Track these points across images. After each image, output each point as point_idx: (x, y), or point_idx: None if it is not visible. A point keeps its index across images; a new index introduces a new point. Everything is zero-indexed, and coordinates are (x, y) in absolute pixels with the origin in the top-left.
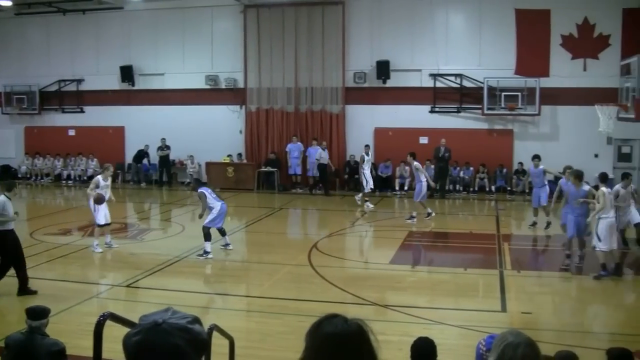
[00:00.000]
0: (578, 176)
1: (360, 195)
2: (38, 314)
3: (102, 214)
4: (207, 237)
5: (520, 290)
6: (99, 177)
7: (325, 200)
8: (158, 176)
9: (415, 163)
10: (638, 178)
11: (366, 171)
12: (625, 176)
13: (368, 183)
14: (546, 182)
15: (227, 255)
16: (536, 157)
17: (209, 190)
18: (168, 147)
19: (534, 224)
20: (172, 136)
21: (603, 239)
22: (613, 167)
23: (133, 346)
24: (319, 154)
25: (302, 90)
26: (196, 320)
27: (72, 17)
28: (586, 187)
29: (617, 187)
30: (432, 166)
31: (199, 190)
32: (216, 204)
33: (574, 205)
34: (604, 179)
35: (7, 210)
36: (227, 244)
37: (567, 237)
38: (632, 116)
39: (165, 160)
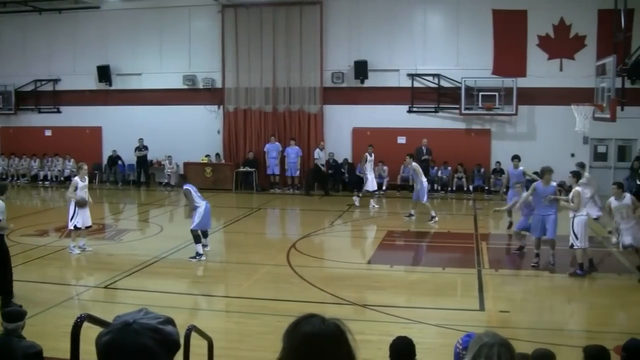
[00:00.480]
0: (549, 172)
1: (372, 200)
2: (14, 317)
3: (80, 218)
4: (197, 239)
5: (498, 289)
6: (77, 178)
7: (303, 200)
8: (136, 176)
9: (414, 164)
10: (614, 177)
11: (368, 171)
12: (617, 186)
13: (370, 183)
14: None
15: (205, 256)
16: (515, 158)
17: (195, 188)
18: (146, 148)
19: (511, 224)
20: (149, 136)
21: (580, 237)
22: (589, 167)
23: (103, 346)
24: (317, 153)
25: (280, 90)
26: (169, 321)
27: (48, 16)
28: (554, 184)
29: (610, 200)
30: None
31: (185, 187)
32: (201, 203)
33: (543, 203)
34: (578, 177)
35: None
36: (205, 245)
37: (533, 237)
38: (608, 116)
39: (142, 161)
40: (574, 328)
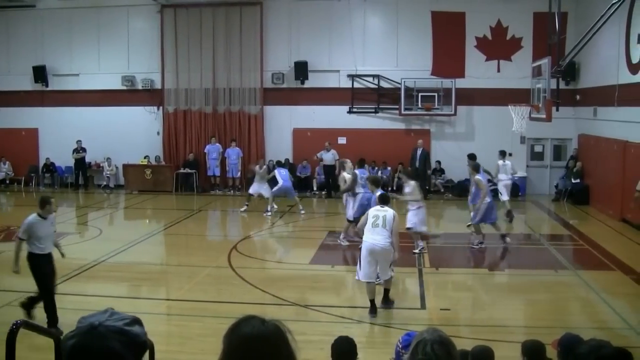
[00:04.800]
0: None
1: None
2: None
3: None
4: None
5: (439, 287)
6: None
7: (244, 201)
8: (74, 179)
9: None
10: (550, 175)
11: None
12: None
13: None
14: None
15: (145, 259)
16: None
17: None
18: (84, 150)
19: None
20: (88, 138)
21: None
22: (527, 166)
23: (69, 349)
24: (322, 154)
25: (220, 91)
26: (135, 322)
27: None
28: (477, 176)
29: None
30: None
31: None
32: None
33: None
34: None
35: (37, 232)
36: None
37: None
38: (543, 116)
39: (81, 163)
40: (513, 324)
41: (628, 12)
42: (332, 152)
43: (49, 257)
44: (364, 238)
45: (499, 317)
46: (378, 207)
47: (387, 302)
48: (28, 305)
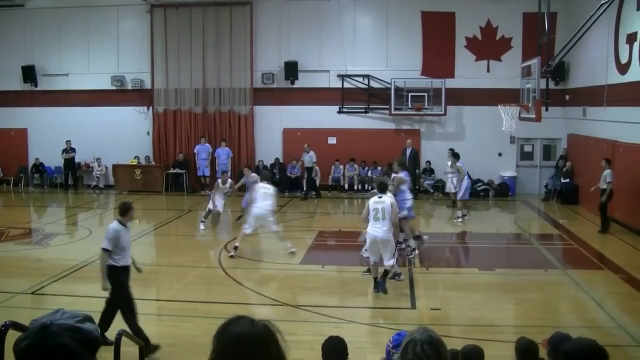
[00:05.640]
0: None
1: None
2: None
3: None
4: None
5: (429, 287)
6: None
7: (233, 201)
8: (63, 179)
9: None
10: (540, 175)
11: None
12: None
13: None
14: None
15: (135, 259)
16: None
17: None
18: (73, 150)
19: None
20: (77, 138)
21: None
22: (516, 166)
23: (22, 351)
24: (304, 156)
25: (210, 91)
26: (87, 319)
27: None
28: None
29: None
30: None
31: None
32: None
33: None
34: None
35: (120, 242)
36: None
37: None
38: (533, 116)
39: (70, 163)
40: (503, 323)
41: (617, 12)
42: (311, 154)
43: (128, 269)
44: (368, 229)
45: (489, 317)
46: (376, 198)
47: (381, 284)
48: (104, 326)
